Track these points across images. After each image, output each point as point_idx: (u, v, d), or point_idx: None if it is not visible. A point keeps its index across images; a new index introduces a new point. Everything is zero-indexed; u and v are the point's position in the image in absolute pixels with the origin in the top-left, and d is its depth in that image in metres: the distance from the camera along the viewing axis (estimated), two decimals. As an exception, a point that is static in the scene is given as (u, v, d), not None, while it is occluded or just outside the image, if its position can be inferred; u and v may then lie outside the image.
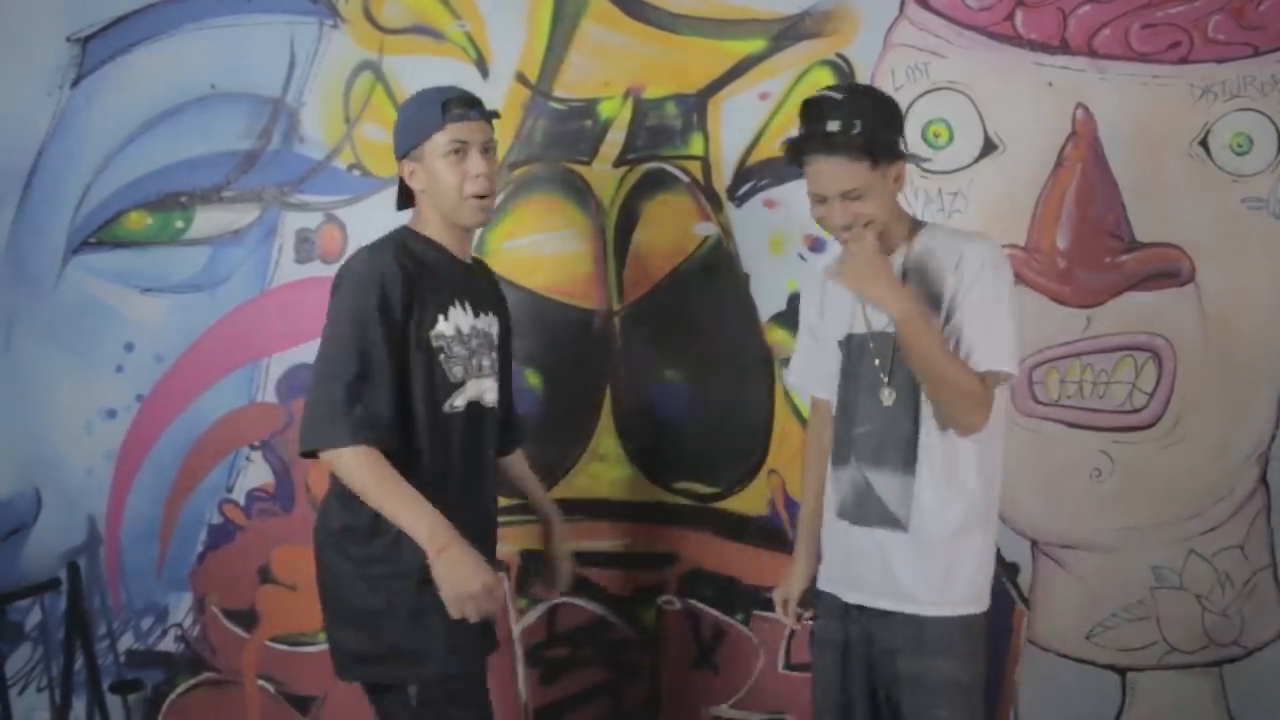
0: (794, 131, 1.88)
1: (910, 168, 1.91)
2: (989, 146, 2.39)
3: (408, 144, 1.97)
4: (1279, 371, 2.37)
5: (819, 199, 1.84)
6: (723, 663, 2.56)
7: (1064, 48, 2.36)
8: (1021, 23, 2.38)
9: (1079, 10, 2.35)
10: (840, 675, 1.95)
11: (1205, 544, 2.39)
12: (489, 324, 2.03)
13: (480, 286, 2.07)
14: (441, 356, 1.91)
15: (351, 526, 1.89)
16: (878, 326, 1.88)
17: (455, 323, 1.94)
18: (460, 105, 1.96)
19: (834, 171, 1.80)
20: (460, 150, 1.93)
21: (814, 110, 1.83)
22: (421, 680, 1.86)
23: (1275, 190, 2.34)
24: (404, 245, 1.95)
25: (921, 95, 2.40)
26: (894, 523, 1.86)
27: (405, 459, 1.85)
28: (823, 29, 2.45)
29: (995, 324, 1.80)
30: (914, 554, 1.85)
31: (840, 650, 1.94)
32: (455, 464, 1.93)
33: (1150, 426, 2.38)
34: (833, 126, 1.79)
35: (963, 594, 1.86)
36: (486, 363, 2.00)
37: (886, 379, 1.87)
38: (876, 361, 1.88)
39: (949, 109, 2.38)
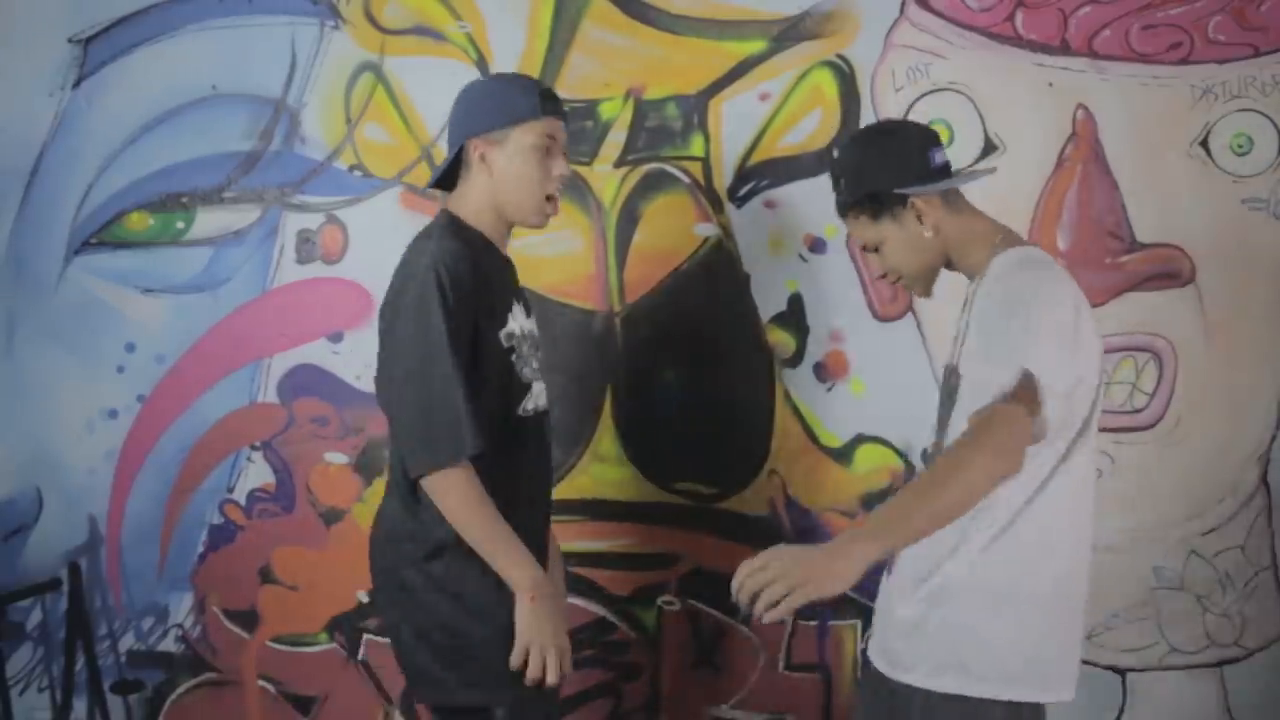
0: None
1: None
2: (989, 147, 2.39)
3: (492, 123, 1.80)
4: (1279, 372, 2.37)
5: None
6: (723, 663, 2.56)
7: (1064, 48, 2.36)
8: (1022, 23, 2.38)
9: (1079, 11, 2.35)
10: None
11: (1206, 544, 2.39)
12: (534, 325, 1.94)
13: (520, 286, 1.97)
14: (514, 357, 1.80)
15: (432, 537, 1.74)
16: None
17: (519, 323, 1.85)
18: (554, 100, 1.85)
19: (850, 228, 1.80)
20: (550, 148, 1.83)
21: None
22: (514, 701, 1.72)
23: (1276, 191, 2.33)
24: (466, 240, 1.79)
25: (922, 96, 2.39)
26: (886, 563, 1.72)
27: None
28: (823, 30, 2.45)
29: (999, 327, 1.52)
30: (889, 603, 1.71)
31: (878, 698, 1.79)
32: (527, 473, 1.79)
33: (1151, 427, 2.38)
34: (834, 189, 1.78)
35: (937, 663, 1.60)
36: (538, 365, 1.91)
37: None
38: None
39: (949, 110, 2.38)
